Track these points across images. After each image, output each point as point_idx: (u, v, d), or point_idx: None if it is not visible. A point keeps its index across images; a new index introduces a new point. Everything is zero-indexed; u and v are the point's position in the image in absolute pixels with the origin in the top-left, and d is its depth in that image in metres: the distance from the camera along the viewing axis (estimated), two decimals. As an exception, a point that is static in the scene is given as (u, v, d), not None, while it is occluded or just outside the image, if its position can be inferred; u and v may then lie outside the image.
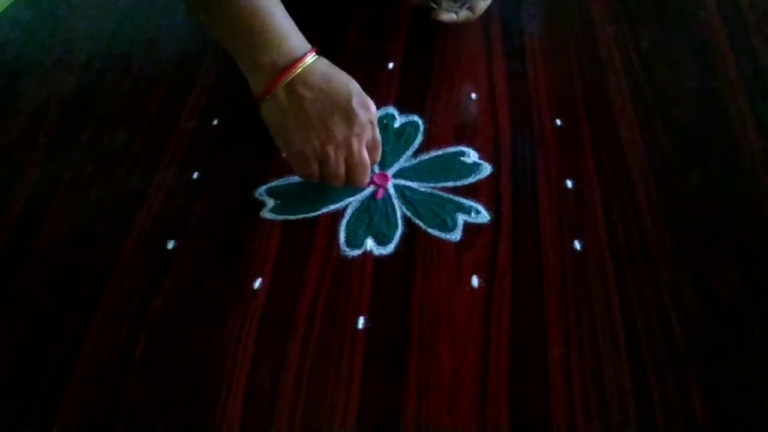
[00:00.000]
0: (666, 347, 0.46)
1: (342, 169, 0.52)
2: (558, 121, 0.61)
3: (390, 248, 0.53)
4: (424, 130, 0.61)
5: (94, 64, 0.69)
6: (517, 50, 0.68)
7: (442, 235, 0.53)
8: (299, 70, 0.50)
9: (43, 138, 0.62)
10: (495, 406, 0.44)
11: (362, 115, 0.51)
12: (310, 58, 0.50)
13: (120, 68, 0.69)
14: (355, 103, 0.50)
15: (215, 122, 0.63)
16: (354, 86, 0.51)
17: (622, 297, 0.49)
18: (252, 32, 0.50)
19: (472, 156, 0.59)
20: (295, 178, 0.57)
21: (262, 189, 0.57)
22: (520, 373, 0.45)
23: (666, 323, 0.47)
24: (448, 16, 0.64)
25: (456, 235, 0.53)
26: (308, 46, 0.51)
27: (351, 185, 0.54)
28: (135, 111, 0.64)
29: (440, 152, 0.59)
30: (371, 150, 0.53)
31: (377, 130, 0.53)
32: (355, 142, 0.51)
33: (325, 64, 0.51)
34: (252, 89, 0.52)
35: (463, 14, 0.65)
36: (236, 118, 0.63)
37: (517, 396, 0.44)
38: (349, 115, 0.50)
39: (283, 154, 0.54)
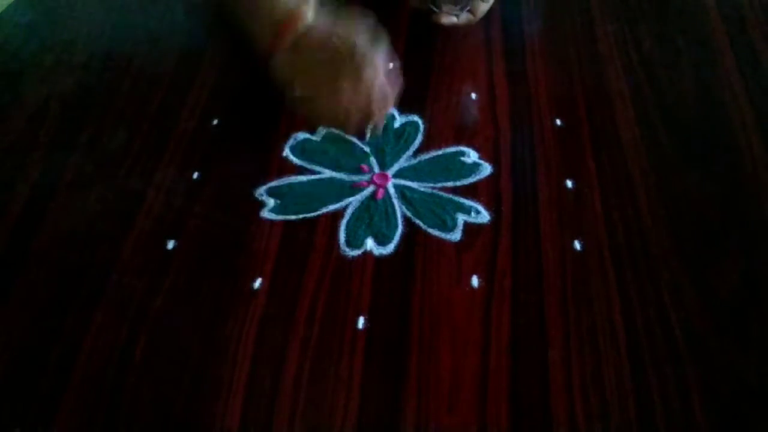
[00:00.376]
0: (666, 347, 0.46)
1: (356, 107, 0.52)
2: (558, 121, 0.61)
3: (390, 248, 0.53)
4: (424, 130, 0.61)
5: (94, 64, 0.69)
6: (517, 50, 0.68)
7: (442, 235, 0.53)
8: (303, 21, 0.50)
9: (43, 138, 0.62)
10: (495, 406, 0.44)
11: (367, 70, 0.50)
12: (312, 6, 0.51)
13: (120, 68, 0.69)
14: (359, 47, 0.50)
15: (215, 122, 0.63)
16: (359, 29, 0.51)
17: (622, 297, 0.49)
18: None
19: (472, 156, 0.59)
20: (296, 178, 0.57)
21: (262, 189, 0.57)
22: (520, 373, 0.45)
23: (666, 323, 0.47)
24: (448, 20, 0.64)
25: (456, 235, 0.53)
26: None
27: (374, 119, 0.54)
28: (135, 111, 0.64)
29: (440, 152, 0.59)
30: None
31: (386, 66, 0.52)
32: (364, 80, 0.51)
33: (328, 10, 0.52)
34: (257, 43, 0.53)
35: (464, 17, 0.65)
36: (236, 118, 0.63)
37: (517, 396, 0.44)
38: (354, 64, 0.50)
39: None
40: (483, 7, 0.65)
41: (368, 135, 0.58)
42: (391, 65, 0.53)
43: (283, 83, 0.53)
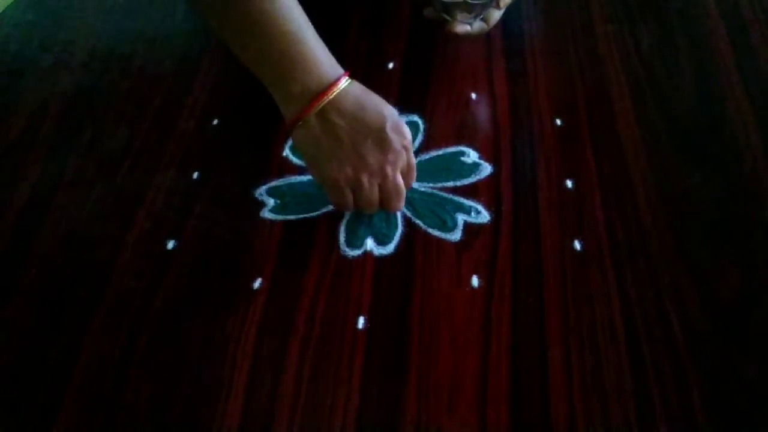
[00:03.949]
0: (666, 347, 0.46)
1: (376, 197, 0.51)
2: (558, 121, 0.61)
3: (390, 248, 0.53)
4: (424, 130, 0.61)
5: (94, 64, 0.69)
6: (517, 50, 0.68)
7: (442, 235, 0.53)
8: (332, 96, 0.48)
9: (43, 138, 0.62)
10: (495, 406, 0.44)
11: (396, 142, 0.49)
12: (343, 82, 0.48)
13: (120, 68, 0.69)
14: (389, 129, 0.48)
15: (215, 122, 0.63)
16: (388, 111, 0.49)
17: (622, 297, 0.49)
18: (282, 58, 0.48)
19: (472, 156, 0.59)
20: (296, 178, 0.58)
21: (262, 189, 0.57)
22: (520, 373, 0.45)
23: (666, 323, 0.47)
24: (462, 28, 0.64)
25: (456, 235, 0.53)
26: (340, 70, 0.49)
27: (385, 210, 0.53)
28: (135, 111, 0.64)
29: (440, 152, 0.59)
30: (405, 176, 0.51)
31: (412, 155, 0.51)
32: (389, 169, 0.49)
33: (358, 88, 0.49)
34: (283, 115, 0.50)
35: (477, 26, 0.64)
36: (236, 118, 0.63)
37: (517, 396, 0.44)
38: (383, 142, 0.49)
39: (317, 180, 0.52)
40: (496, 15, 0.64)
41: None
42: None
43: (302, 153, 0.51)
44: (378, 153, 0.49)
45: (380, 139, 0.49)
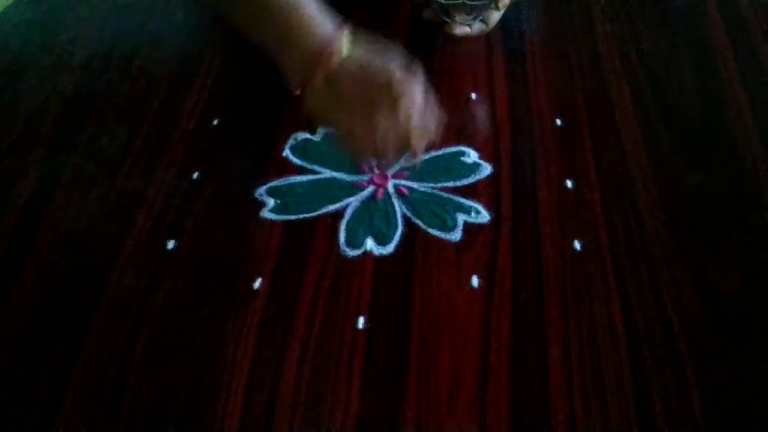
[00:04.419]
0: (666, 347, 0.46)
1: (399, 132, 0.49)
2: (558, 121, 0.61)
3: (390, 248, 0.53)
4: (424, 130, 0.61)
5: (94, 64, 0.69)
6: (517, 50, 0.68)
7: (442, 235, 0.53)
8: (336, 51, 0.48)
9: (43, 138, 0.62)
10: (495, 406, 0.44)
11: (409, 85, 0.48)
12: (344, 37, 0.48)
13: (120, 68, 0.69)
14: (398, 75, 0.48)
15: (215, 122, 0.63)
16: (394, 61, 0.48)
17: (622, 297, 0.49)
18: (285, 22, 0.48)
19: (472, 156, 0.59)
20: (296, 178, 0.57)
21: (262, 189, 0.57)
22: (520, 373, 0.45)
23: (666, 323, 0.47)
24: (461, 30, 0.64)
25: (456, 235, 0.53)
26: (339, 25, 0.49)
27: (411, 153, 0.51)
28: (135, 111, 0.64)
29: (440, 152, 0.59)
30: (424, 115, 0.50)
31: (427, 95, 0.50)
32: (404, 109, 0.48)
33: (361, 39, 0.49)
34: (288, 76, 0.50)
35: (477, 27, 0.64)
36: (236, 118, 0.63)
37: (517, 396, 0.44)
38: (391, 97, 0.48)
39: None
40: (495, 16, 0.64)
41: (408, 165, 0.57)
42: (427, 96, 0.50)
43: (316, 117, 0.51)
44: (388, 105, 0.48)
45: (388, 93, 0.48)
